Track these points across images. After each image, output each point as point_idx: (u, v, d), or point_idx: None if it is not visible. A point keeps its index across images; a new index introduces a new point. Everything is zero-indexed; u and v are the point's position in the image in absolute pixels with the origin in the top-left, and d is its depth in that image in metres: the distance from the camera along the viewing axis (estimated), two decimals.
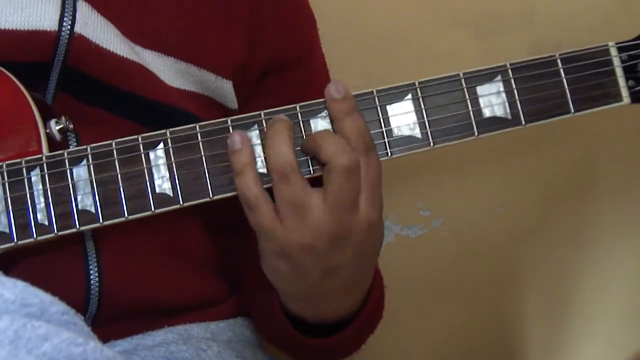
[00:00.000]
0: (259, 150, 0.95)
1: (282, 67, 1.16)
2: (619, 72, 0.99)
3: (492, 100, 0.97)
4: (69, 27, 1.00)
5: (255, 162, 0.93)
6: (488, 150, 1.57)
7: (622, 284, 1.65)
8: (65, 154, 0.94)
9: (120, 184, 0.94)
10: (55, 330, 0.74)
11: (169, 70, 1.07)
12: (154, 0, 1.08)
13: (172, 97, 1.06)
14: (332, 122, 0.95)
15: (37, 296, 0.77)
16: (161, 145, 0.95)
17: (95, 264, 1.03)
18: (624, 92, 0.99)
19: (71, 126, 0.99)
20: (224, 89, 1.11)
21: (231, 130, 0.95)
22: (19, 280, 0.77)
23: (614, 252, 1.64)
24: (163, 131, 0.95)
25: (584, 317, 1.66)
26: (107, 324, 1.01)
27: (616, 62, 0.99)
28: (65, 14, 1.00)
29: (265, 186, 0.93)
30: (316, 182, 0.94)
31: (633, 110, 1.47)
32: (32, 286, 0.77)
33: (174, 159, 0.95)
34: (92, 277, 1.02)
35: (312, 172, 0.95)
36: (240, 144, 0.93)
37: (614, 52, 0.99)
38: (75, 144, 1.02)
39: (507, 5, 1.52)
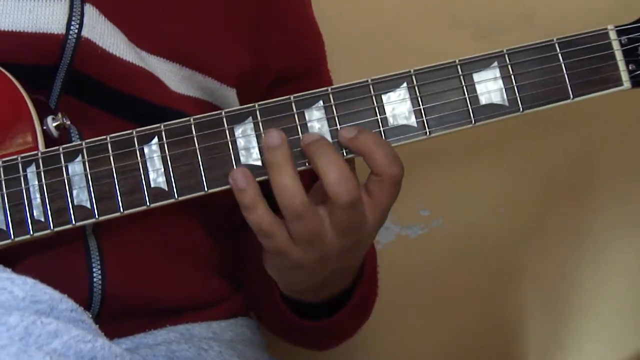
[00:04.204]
0: (254, 142, 0.95)
1: (291, 78, 1.17)
2: (618, 55, 0.97)
3: (489, 87, 0.96)
4: (76, 31, 1.01)
5: (261, 195, 0.93)
6: (488, 150, 1.57)
7: (622, 284, 1.65)
8: (61, 150, 0.94)
9: (115, 179, 0.94)
10: (64, 327, 0.75)
11: (173, 76, 1.08)
12: (161, 7, 1.08)
13: (176, 102, 1.07)
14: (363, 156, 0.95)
15: (47, 293, 0.78)
16: (155, 139, 0.95)
17: (99, 263, 1.03)
18: (624, 77, 0.97)
19: (68, 122, 0.99)
20: (228, 96, 1.12)
21: (225, 123, 0.95)
22: (28, 278, 0.78)
23: (613, 252, 1.64)
24: (157, 125, 0.95)
25: (584, 316, 1.65)
26: (109, 323, 1.00)
27: (615, 45, 0.97)
28: (73, 18, 1.01)
29: (263, 178, 0.94)
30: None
31: (634, 110, 1.48)
32: (41, 283, 0.78)
33: (169, 153, 0.94)
34: (94, 275, 1.03)
35: (307, 164, 0.95)
36: (244, 183, 0.92)
37: (613, 35, 0.97)
38: None
39: (507, 5, 1.52)
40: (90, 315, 0.82)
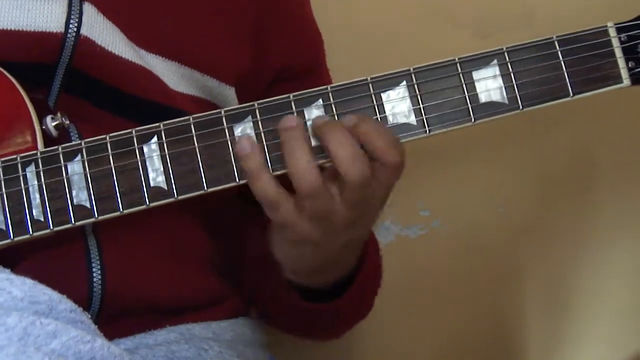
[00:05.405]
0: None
1: (290, 77, 1.17)
2: (618, 53, 0.97)
3: (489, 84, 0.96)
4: (75, 29, 1.01)
5: (266, 162, 0.93)
6: (488, 151, 1.56)
7: (622, 284, 1.65)
8: (60, 149, 0.94)
9: (115, 178, 0.94)
10: (63, 328, 0.75)
11: (172, 75, 1.08)
12: (160, 5, 1.09)
13: (175, 101, 1.07)
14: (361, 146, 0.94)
15: (46, 294, 0.78)
16: (155, 138, 0.95)
17: (98, 263, 1.03)
18: (624, 74, 0.97)
19: (67, 122, 0.99)
20: (227, 95, 1.12)
21: (225, 122, 0.95)
22: (27, 278, 0.78)
23: (613, 252, 1.64)
24: (157, 124, 0.95)
25: (584, 316, 1.65)
26: (108, 323, 1.01)
27: (615, 43, 0.97)
28: (72, 17, 1.01)
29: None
30: None
31: (634, 107, 1.48)
32: (40, 284, 0.78)
33: (168, 152, 0.94)
34: (94, 275, 1.02)
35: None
36: (249, 147, 0.93)
37: (612, 32, 0.97)
38: None
39: (507, 5, 1.52)
40: (90, 316, 0.82)
